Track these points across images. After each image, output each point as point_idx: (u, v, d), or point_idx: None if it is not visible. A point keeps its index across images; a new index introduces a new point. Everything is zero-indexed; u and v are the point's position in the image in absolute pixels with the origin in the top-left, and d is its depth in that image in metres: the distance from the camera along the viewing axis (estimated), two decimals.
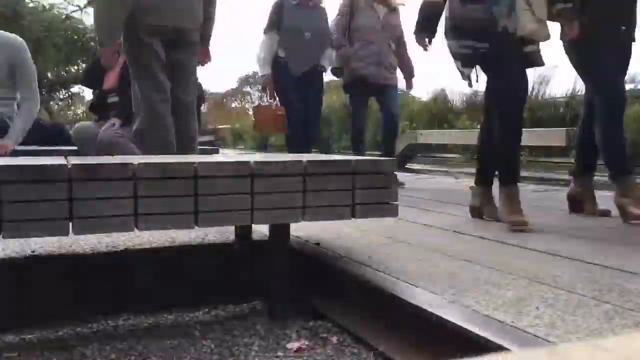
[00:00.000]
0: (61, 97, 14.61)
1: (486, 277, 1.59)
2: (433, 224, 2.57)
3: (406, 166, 10.15)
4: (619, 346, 0.39)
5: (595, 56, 2.69)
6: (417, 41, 2.87)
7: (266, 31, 4.53)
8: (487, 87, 2.71)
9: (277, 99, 4.51)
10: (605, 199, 2.93)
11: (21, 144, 3.63)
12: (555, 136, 7.77)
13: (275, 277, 1.87)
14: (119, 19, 2.95)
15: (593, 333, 1.15)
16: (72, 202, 1.45)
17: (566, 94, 13.22)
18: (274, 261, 1.87)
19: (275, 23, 4.47)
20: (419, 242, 2.13)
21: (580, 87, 13.25)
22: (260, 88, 6.76)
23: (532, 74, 4.42)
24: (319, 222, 1.80)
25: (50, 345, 1.65)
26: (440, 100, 17.25)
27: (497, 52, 2.51)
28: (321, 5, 4.60)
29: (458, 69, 2.64)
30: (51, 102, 10.81)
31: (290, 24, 4.44)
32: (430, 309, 1.36)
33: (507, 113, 2.57)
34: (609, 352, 0.38)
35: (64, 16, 15.06)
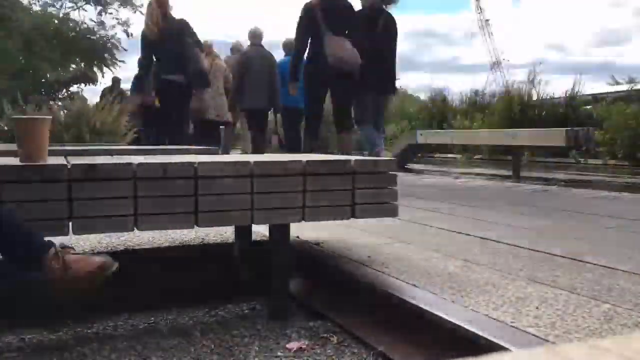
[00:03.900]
0: (61, 96, 14.57)
1: (486, 277, 1.59)
2: (433, 224, 2.57)
3: (406, 166, 10.15)
4: (618, 346, 0.39)
5: None
6: None
7: None
8: None
9: None
10: (603, 200, 2.93)
11: None
12: (555, 136, 7.77)
13: (275, 277, 1.87)
14: None
15: (593, 333, 1.15)
16: (72, 202, 1.45)
17: (566, 93, 13.21)
18: (274, 261, 1.87)
19: None
20: (419, 242, 2.13)
21: (581, 87, 13.31)
22: None
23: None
24: (319, 222, 1.80)
25: (50, 345, 1.65)
26: (439, 99, 17.24)
27: None
28: None
29: None
30: (51, 102, 10.79)
31: None
32: (430, 309, 1.36)
33: None
34: (609, 352, 0.38)
35: (61, 15, 15.04)
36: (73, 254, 1.45)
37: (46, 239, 1.45)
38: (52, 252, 1.41)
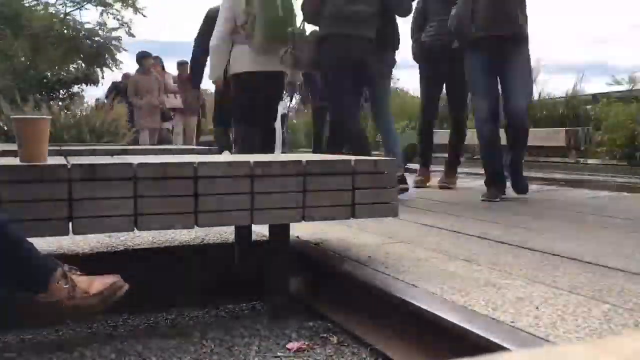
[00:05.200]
0: (61, 96, 14.56)
1: (486, 277, 1.59)
2: (433, 224, 2.57)
3: (406, 166, 10.15)
4: (619, 346, 0.39)
5: None
6: None
7: None
8: None
9: None
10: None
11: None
12: (555, 136, 7.78)
13: (275, 277, 1.87)
14: None
15: (593, 333, 1.15)
16: (72, 202, 1.45)
17: (566, 94, 13.21)
18: (274, 261, 1.87)
19: None
20: (419, 242, 2.13)
21: (581, 87, 13.31)
22: None
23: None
24: (319, 222, 1.80)
25: (50, 345, 1.65)
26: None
27: None
28: None
29: None
30: (51, 102, 10.79)
31: None
32: (430, 309, 1.36)
33: None
34: (609, 352, 0.38)
35: (61, 14, 15.04)
36: (79, 274, 1.43)
37: (51, 257, 1.42)
38: (59, 272, 1.39)
